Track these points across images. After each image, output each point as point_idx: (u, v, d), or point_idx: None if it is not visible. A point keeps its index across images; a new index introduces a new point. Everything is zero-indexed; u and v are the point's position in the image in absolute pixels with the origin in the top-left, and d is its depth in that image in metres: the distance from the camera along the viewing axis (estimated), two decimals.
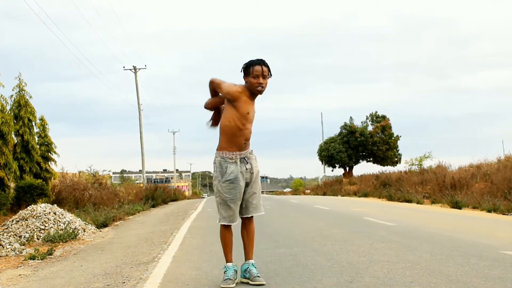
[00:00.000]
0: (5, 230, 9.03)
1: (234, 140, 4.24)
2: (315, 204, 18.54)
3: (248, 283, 4.33)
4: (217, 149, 4.34)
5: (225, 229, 4.35)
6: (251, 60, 4.23)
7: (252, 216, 4.39)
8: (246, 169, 4.29)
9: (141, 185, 30.27)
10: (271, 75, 4.25)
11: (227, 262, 4.35)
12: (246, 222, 4.40)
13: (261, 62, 4.19)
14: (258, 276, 4.31)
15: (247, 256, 4.43)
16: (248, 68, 4.19)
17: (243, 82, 4.27)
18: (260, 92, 4.22)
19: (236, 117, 4.20)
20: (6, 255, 7.16)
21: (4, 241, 7.79)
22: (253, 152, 4.41)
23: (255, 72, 4.15)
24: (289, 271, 4.89)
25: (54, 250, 7.49)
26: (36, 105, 14.83)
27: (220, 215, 4.32)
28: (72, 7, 70.35)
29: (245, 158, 4.30)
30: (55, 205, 10.80)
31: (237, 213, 4.33)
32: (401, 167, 38.79)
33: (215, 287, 4.28)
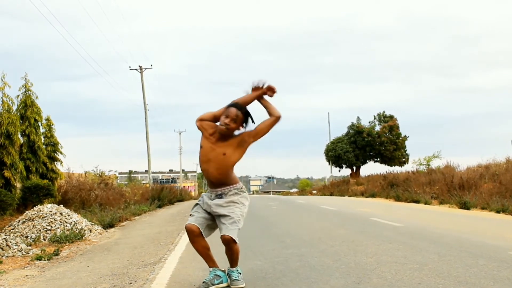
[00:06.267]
0: (11, 230, 9.05)
1: (207, 180, 4.30)
2: (322, 204, 18.51)
3: None
4: None
5: (192, 241, 4.27)
6: (233, 102, 4.22)
7: (231, 241, 4.09)
8: (213, 200, 4.25)
9: (147, 185, 30.30)
10: (244, 125, 4.20)
11: (209, 267, 4.33)
12: (223, 242, 4.20)
13: (239, 107, 4.15)
14: (237, 280, 4.25)
15: (229, 265, 4.38)
16: (226, 108, 4.19)
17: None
18: (223, 133, 4.17)
19: (200, 152, 4.27)
20: (13, 256, 7.17)
21: (10, 242, 7.79)
22: (235, 190, 4.25)
23: (228, 113, 4.14)
24: (297, 272, 4.86)
25: (61, 251, 7.50)
26: (41, 105, 14.82)
27: None
28: (78, 6, 70.71)
29: (222, 194, 4.24)
30: (61, 205, 10.82)
31: (197, 218, 4.23)
32: (408, 167, 38.67)
33: None
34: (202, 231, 4.20)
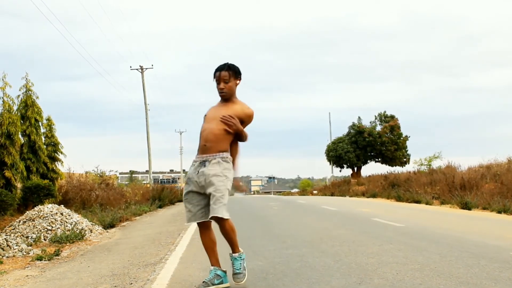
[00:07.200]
0: (12, 230, 9.05)
1: (199, 143, 4.32)
2: (323, 204, 18.49)
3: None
4: None
5: (200, 233, 4.31)
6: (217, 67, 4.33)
7: (220, 219, 4.06)
8: (198, 172, 4.20)
9: (148, 185, 30.31)
10: (238, 77, 4.30)
11: (211, 265, 4.29)
12: (218, 224, 4.17)
13: (220, 68, 4.26)
14: (239, 272, 4.18)
15: (231, 250, 4.30)
16: (213, 76, 4.32)
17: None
18: (223, 97, 4.29)
19: (204, 120, 4.38)
20: (14, 256, 7.17)
21: (11, 242, 7.79)
22: (219, 158, 4.19)
23: (216, 78, 4.28)
24: (297, 272, 4.85)
25: (61, 251, 7.49)
26: (42, 105, 14.80)
27: None
28: (78, 5, 70.75)
29: (205, 161, 4.20)
30: (62, 205, 10.82)
31: (196, 214, 4.22)
32: (410, 167, 38.64)
33: None
34: (208, 218, 4.18)
